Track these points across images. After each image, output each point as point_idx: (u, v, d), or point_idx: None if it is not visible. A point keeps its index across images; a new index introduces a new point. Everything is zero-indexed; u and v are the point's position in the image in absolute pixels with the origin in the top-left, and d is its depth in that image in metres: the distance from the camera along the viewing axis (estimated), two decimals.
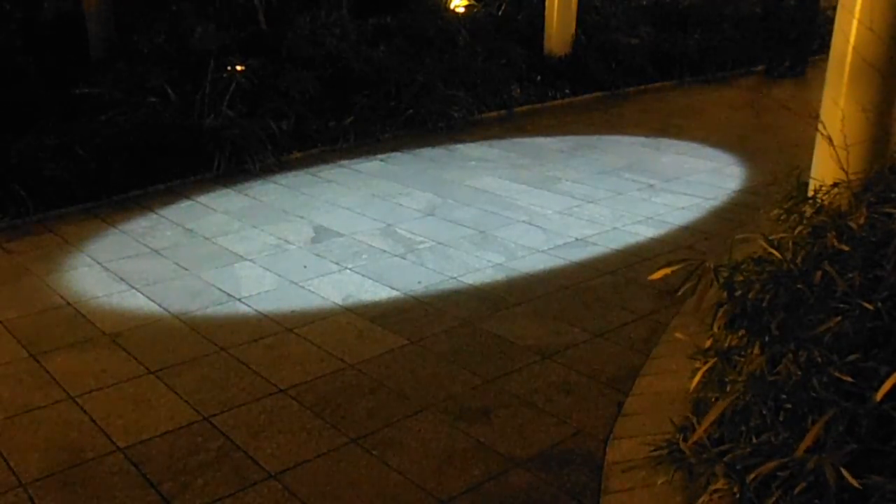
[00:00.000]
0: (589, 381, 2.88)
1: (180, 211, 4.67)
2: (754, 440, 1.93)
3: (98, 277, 3.78)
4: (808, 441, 1.73)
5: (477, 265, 3.89)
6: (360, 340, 3.18)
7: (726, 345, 2.31)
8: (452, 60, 6.96)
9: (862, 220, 2.45)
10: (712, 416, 2.00)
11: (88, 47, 6.19)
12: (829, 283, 2.20)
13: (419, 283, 3.69)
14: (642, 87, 7.93)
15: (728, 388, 2.10)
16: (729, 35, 8.87)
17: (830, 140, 2.92)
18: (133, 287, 3.66)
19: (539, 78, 7.44)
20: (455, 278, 3.74)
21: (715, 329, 2.45)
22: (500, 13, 8.33)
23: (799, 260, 2.39)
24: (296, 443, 2.53)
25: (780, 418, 1.91)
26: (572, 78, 7.58)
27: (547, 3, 7.98)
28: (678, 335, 2.90)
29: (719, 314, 2.46)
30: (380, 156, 5.74)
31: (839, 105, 3.04)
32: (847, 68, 3.03)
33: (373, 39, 7.16)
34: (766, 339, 2.16)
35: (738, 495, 1.85)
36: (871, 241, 2.35)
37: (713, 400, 2.14)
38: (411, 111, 6.32)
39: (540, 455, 2.46)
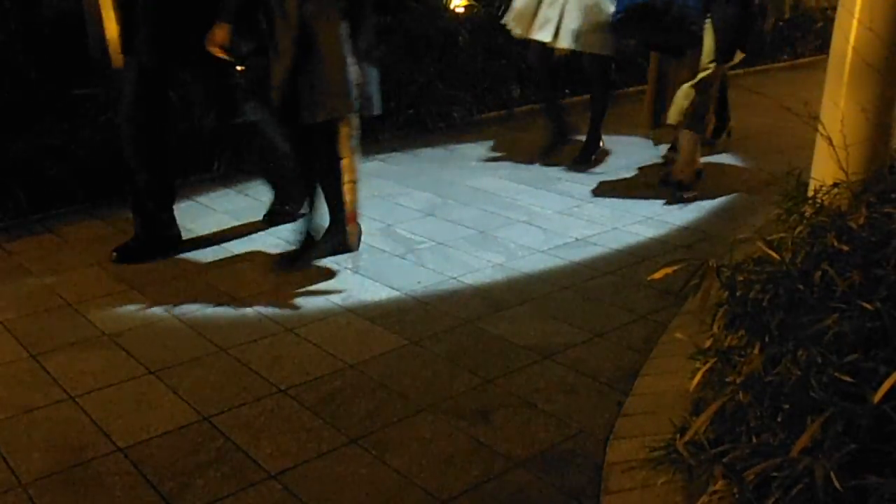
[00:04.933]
0: (589, 381, 2.88)
1: (180, 211, 4.65)
2: (754, 440, 1.93)
3: (98, 277, 3.78)
4: (803, 441, 1.73)
5: (477, 265, 3.89)
6: (360, 340, 3.18)
7: (726, 345, 2.31)
8: (452, 60, 6.94)
9: (862, 220, 2.45)
10: (705, 416, 2.00)
11: (88, 47, 6.18)
12: (829, 283, 2.20)
13: (419, 283, 3.69)
14: (642, 87, 7.92)
15: (726, 389, 2.10)
16: None
17: (830, 140, 2.92)
18: (133, 287, 3.66)
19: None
20: (455, 278, 3.74)
21: (715, 329, 2.45)
22: (500, 13, 8.32)
23: (799, 260, 2.39)
24: (296, 443, 2.53)
25: (779, 419, 1.91)
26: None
27: None
28: (678, 335, 2.90)
29: (719, 314, 2.46)
30: (380, 156, 5.74)
31: (839, 105, 3.03)
32: (847, 68, 3.02)
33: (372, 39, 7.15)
34: (766, 339, 2.17)
35: (737, 496, 1.85)
36: (871, 241, 2.35)
37: (713, 400, 2.14)
38: (411, 111, 6.32)
39: (540, 455, 2.47)
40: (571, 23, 5.00)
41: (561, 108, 5.66)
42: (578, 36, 5.01)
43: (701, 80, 4.61)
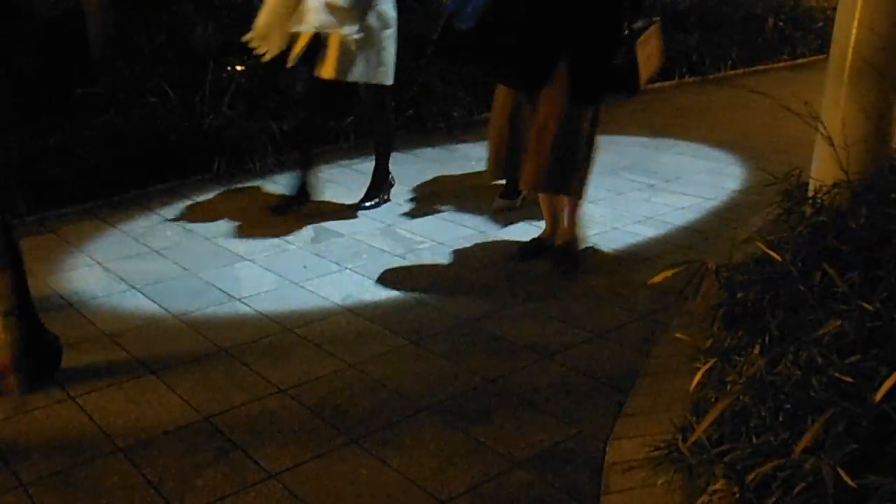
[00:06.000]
0: (589, 381, 2.88)
1: (180, 211, 4.67)
2: (754, 440, 1.93)
3: (98, 277, 3.78)
4: (805, 441, 1.73)
5: (477, 265, 3.89)
6: (360, 340, 3.18)
7: (726, 345, 2.31)
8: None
9: (862, 220, 2.45)
10: (711, 417, 2.00)
11: (88, 47, 6.18)
12: (829, 283, 2.20)
13: (419, 283, 3.69)
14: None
15: (728, 389, 2.10)
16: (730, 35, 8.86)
17: (830, 140, 2.92)
18: (133, 287, 3.66)
19: None
20: (455, 278, 3.74)
21: (715, 329, 2.45)
22: None
23: (799, 260, 2.39)
24: (296, 443, 2.53)
25: (780, 419, 1.91)
26: None
27: None
28: (678, 335, 2.89)
29: (719, 314, 2.47)
30: None
31: (839, 105, 3.03)
32: (847, 69, 3.02)
33: None
34: (766, 339, 2.17)
35: (737, 496, 1.85)
36: (871, 241, 2.35)
37: (713, 400, 2.14)
38: (411, 111, 6.32)
39: (540, 455, 2.46)
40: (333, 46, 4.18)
41: (311, 160, 4.71)
42: (340, 63, 4.19)
43: (562, 131, 3.58)
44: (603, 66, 3.60)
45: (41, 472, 2.40)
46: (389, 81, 4.39)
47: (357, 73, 4.24)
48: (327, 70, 4.19)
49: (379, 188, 4.72)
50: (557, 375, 2.92)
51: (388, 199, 4.74)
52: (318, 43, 4.20)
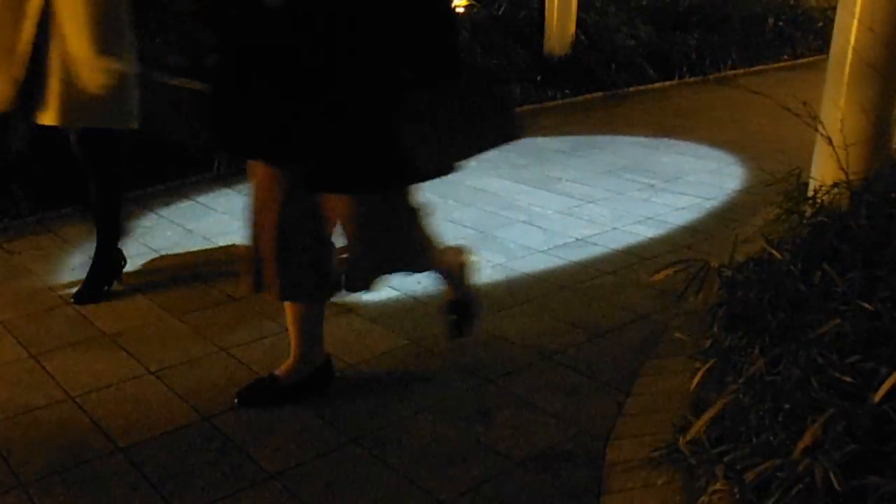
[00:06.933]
0: (589, 381, 2.88)
1: (180, 211, 4.67)
2: (754, 440, 1.93)
3: None
4: (805, 442, 1.73)
5: (476, 266, 3.89)
6: (360, 340, 3.18)
7: (726, 345, 2.31)
8: None
9: (862, 220, 2.45)
10: (709, 414, 2.00)
11: None
12: (829, 283, 2.21)
13: (419, 283, 3.69)
14: (642, 87, 7.95)
15: (728, 389, 2.10)
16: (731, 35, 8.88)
17: (830, 140, 2.92)
18: (133, 287, 3.66)
19: (539, 78, 7.44)
20: None
21: (715, 329, 2.46)
22: (499, 13, 8.33)
23: (799, 260, 2.40)
24: (296, 443, 2.53)
25: (780, 419, 1.91)
26: (572, 78, 7.58)
27: (547, 3, 7.98)
28: (678, 335, 2.90)
29: (719, 314, 2.47)
30: None
31: (839, 105, 3.04)
32: (847, 69, 3.03)
33: None
34: (766, 339, 2.17)
35: (737, 496, 1.85)
36: (871, 241, 2.36)
37: (713, 400, 2.14)
38: None
39: (540, 455, 2.46)
40: (55, 85, 3.16)
41: (116, 232, 3.61)
42: (64, 105, 3.17)
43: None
44: (355, 139, 2.43)
45: (41, 472, 2.40)
46: (134, 125, 3.34)
47: (90, 117, 3.24)
48: (49, 114, 3.18)
49: (101, 278, 3.54)
50: (557, 375, 2.92)
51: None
52: (38, 78, 3.17)
